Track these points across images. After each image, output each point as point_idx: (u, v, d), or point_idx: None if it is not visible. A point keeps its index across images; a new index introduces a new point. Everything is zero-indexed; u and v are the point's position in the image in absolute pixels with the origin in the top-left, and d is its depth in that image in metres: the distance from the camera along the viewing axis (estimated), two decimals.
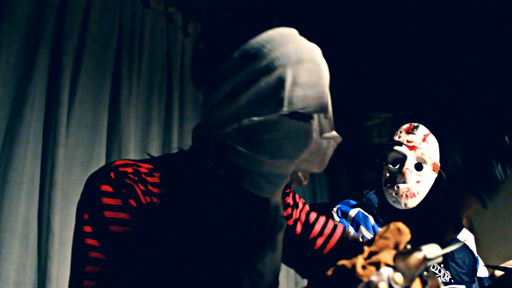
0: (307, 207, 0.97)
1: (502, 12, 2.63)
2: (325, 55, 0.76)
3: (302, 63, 0.70)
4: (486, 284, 1.47)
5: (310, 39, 0.77)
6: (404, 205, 1.41)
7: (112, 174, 0.69)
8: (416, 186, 1.41)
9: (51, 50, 1.58)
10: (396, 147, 1.46)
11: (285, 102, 0.68)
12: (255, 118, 0.68)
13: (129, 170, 0.70)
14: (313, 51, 0.74)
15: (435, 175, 1.46)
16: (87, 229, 0.65)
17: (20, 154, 1.42)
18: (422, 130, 1.48)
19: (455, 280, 1.38)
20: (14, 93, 1.47)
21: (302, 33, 0.79)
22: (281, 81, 0.68)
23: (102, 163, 1.69)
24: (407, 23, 2.77)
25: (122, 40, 1.86)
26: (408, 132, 1.47)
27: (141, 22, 1.97)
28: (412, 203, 1.41)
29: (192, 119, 2.13)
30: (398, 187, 1.41)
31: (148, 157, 0.79)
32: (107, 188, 0.67)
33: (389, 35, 2.82)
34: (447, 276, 1.39)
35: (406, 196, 1.41)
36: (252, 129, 0.69)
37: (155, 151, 1.93)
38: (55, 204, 1.46)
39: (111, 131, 1.76)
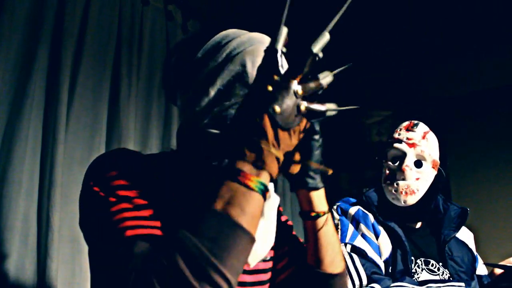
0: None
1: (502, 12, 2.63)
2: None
3: (257, 48, 0.79)
4: (485, 282, 1.47)
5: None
6: (404, 202, 1.41)
7: (114, 158, 0.73)
8: (415, 183, 1.41)
9: (50, 48, 1.58)
10: (396, 144, 1.46)
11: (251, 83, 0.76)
12: (226, 103, 0.76)
13: (129, 154, 0.75)
14: (264, 38, 0.82)
15: (434, 172, 1.46)
16: (102, 196, 0.67)
17: (19, 151, 1.42)
18: (422, 127, 1.48)
19: (453, 278, 1.38)
20: (14, 91, 1.47)
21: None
22: (243, 66, 0.77)
23: None
24: (407, 23, 2.77)
25: (121, 38, 1.85)
26: (408, 129, 1.47)
27: (140, 20, 1.96)
28: (412, 200, 1.41)
29: None
30: (397, 184, 1.42)
31: None
32: (114, 173, 0.69)
33: (389, 35, 2.83)
34: (446, 274, 1.39)
35: (406, 193, 1.41)
36: (227, 113, 0.76)
37: (154, 149, 1.93)
38: (55, 201, 1.46)
39: (111, 129, 1.76)
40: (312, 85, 0.66)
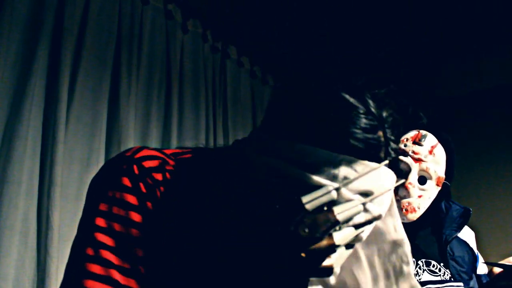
0: None
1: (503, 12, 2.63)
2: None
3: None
4: (484, 281, 1.47)
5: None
6: (404, 219, 1.37)
7: (135, 168, 0.64)
8: (417, 201, 1.36)
9: (50, 47, 1.58)
10: (402, 158, 1.38)
11: None
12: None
13: (154, 164, 0.65)
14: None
15: (438, 188, 1.40)
16: (100, 222, 0.62)
17: (19, 151, 1.42)
18: (430, 140, 1.40)
19: (455, 278, 1.37)
20: (13, 90, 1.47)
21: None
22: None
23: (101, 160, 1.69)
24: (407, 23, 2.77)
25: (121, 37, 1.85)
26: (415, 142, 1.39)
27: (140, 19, 1.96)
28: (412, 217, 1.36)
29: (191, 116, 2.13)
30: (398, 201, 1.37)
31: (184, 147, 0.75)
32: (126, 182, 0.63)
33: (389, 35, 2.82)
34: (447, 274, 1.38)
35: (407, 210, 1.35)
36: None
37: None
38: (54, 201, 1.46)
39: (110, 128, 1.76)
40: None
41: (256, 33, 2.54)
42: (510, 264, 1.32)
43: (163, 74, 2.07)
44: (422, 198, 1.37)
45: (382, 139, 0.60)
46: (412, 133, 1.41)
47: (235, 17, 2.46)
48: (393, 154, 0.61)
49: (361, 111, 0.58)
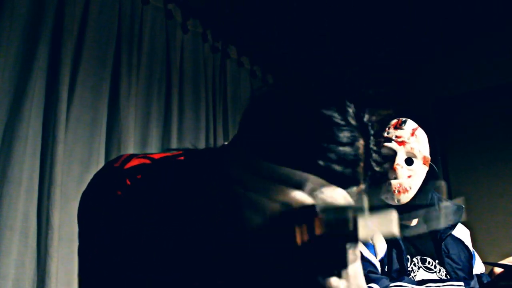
0: None
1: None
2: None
3: None
4: (485, 281, 1.47)
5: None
6: (397, 201, 1.41)
7: (127, 180, 0.65)
8: (407, 181, 1.40)
9: (50, 47, 1.58)
10: (386, 143, 1.45)
11: None
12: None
13: (145, 173, 0.66)
14: None
15: (426, 168, 1.46)
16: (96, 242, 0.63)
17: (19, 151, 1.42)
18: (410, 124, 1.47)
19: (451, 276, 1.38)
20: (14, 90, 1.47)
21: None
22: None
23: (101, 160, 1.69)
24: (407, 23, 2.78)
25: (121, 37, 1.86)
26: (396, 127, 1.46)
27: (140, 19, 1.97)
28: (405, 198, 1.41)
29: (191, 116, 2.13)
30: (390, 184, 1.41)
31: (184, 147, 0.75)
32: (120, 195, 0.64)
33: (389, 35, 2.83)
34: (443, 271, 1.39)
35: (399, 191, 1.40)
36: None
37: (154, 148, 1.93)
38: (54, 200, 1.46)
39: (110, 128, 1.76)
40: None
41: (256, 33, 2.54)
42: (510, 264, 1.32)
43: (163, 74, 2.07)
44: (411, 178, 1.41)
45: (361, 151, 0.56)
46: (392, 121, 1.48)
47: (235, 17, 2.46)
48: (375, 167, 0.58)
49: (340, 123, 0.55)
